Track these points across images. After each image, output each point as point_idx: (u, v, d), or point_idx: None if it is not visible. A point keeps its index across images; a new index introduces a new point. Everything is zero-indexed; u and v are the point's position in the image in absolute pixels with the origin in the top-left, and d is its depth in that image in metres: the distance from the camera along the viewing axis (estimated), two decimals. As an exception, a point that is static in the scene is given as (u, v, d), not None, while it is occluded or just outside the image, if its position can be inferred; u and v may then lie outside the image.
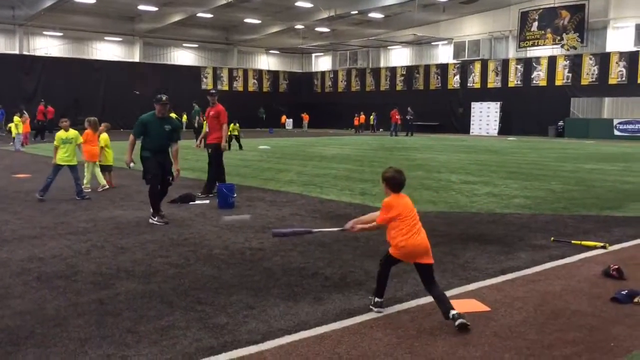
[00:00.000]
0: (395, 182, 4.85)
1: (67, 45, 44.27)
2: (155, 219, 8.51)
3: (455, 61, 44.84)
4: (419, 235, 4.72)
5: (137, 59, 46.73)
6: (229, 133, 21.70)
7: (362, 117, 46.58)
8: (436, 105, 44.79)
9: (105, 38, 45.82)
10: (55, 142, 10.77)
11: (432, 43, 47.38)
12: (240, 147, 23.92)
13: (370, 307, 4.85)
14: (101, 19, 43.02)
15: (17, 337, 4.22)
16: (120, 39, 46.58)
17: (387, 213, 4.79)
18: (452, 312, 4.45)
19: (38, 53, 42.32)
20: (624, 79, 36.18)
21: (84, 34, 44.02)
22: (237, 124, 24.06)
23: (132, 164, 8.87)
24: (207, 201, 10.35)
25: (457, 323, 4.37)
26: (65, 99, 39.64)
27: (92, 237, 7.46)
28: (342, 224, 8.44)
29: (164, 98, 8.63)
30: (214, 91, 11.48)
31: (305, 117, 50.39)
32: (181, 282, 5.58)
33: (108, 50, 46.12)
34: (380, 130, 45.80)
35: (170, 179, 8.78)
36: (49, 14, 38.21)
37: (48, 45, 43.29)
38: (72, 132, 10.79)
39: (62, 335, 4.24)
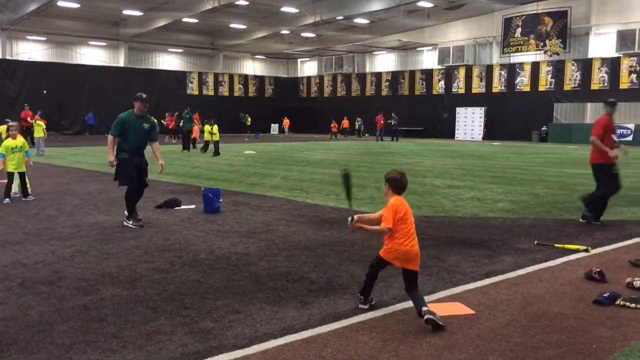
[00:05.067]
0: (398, 184, 4.94)
1: (51, 50, 43.93)
2: (130, 222, 8.54)
3: (439, 67, 45.11)
4: (414, 240, 4.82)
5: (121, 64, 46.48)
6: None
7: (346, 121, 46.67)
8: (421, 111, 45.04)
9: (90, 43, 45.51)
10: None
11: (417, 49, 47.65)
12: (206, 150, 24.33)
13: (359, 305, 4.98)
14: (85, 23, 42.72)
15: (0, 343, 4.18)
16: (104, 44, 46.29)
17: (395, 214, 4.79)
18: (424, 308, 4.55)
19: (21, 58, 41.94)
20: (605, 84, 36.61)
21: (68, 39, 43.69)
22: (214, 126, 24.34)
23: (115, 163, 8.69)
24: (193, 206, 10.32)
25: (425, 317, 4.48)
26: (49, 104, 39.31)
27: (76, 243, 7.41)
28: (328, 228, 8.49)
29: (144, 95, 8.58)
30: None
31: (286, 122, 50.50)
32: (166, 287, 5.56)
33: (92, 55, 45.81)
34: (366, 135, 45.92)
35: (146, 180, 8.82)
36: (32, 18, 37.88)
37: (31, 50, 42.92)
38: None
39: (46, 341, 4.21)
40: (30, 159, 11.32)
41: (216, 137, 23.83)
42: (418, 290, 4.81)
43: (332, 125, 44.76)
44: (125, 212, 8.68)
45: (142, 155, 8.72)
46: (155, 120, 9.14)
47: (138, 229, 8.28)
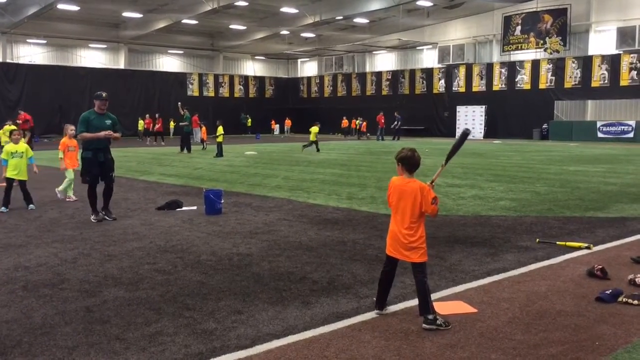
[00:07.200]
0: (410, 162, 4.68)
1: (52, 52, 43.96)
2: (92, 216, 9.16)
3: (440, 65, 45.08)
4: (395, 220, 4.67)
5: (122, 66, 46.50)
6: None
7: (345, 121, 46.58)
8: (422, 110, 45.02)
9: (90, 45, 45.55)
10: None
11: (417, 48, 47.62)
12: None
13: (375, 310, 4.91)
14: (85, 26, 42.74)
15: (3, 346, 4.19)
16: (105, 46, 46.32)
17: (388, 198, 4.82)
18: (424, 316, 4.52)
19: (22, 61, 41.97)
20: (606, 81, 36.58)
21: (68, 42, 43.72)
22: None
23: (104, 132, 8.86)
24: (194, 207, 10.33)
25: (422, 326, 4.48)
26: (50, 107, 39.38)
27: (78, 245, 7.42)
28: (330, 228, 8.50)
29: (103, 94, 9.01)
30: None
31: (288, 122, 50.91)
32: (169, 288, 5.57)
33: (93, 57, 45.85)
34: (367, 135, 45.88)
35: (112, 175, 9.26)
36: (32, 21, 37.89)
37: (32, 53, 42.95)
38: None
39: (49, 344, 4.22)
40: (35, 165, 11.03)
41: (220, 139, 23.82)
42: (421, 290, 4.59)
43: (353, 122, 44.02)
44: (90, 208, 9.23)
45: (107, 152, 9.13)
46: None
47: (143, 230, 8.30)
